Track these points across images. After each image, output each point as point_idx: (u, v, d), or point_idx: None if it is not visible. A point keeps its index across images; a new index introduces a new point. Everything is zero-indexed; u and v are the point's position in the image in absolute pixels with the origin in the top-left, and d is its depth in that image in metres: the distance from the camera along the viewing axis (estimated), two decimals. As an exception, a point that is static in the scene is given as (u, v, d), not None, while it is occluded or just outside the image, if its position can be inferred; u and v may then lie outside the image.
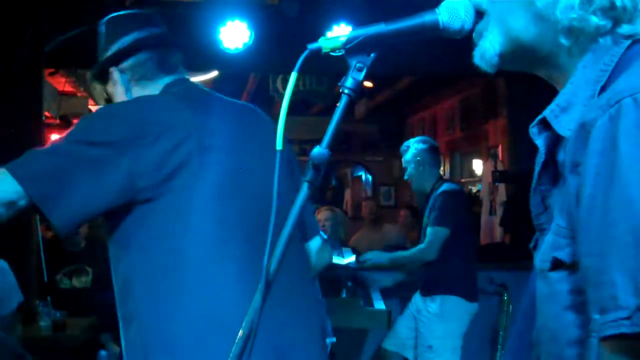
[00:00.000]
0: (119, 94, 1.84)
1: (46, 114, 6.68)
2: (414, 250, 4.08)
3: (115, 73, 1.83)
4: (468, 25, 1.06)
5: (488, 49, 1.02)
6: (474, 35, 1.05)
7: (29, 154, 1.66)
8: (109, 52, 1.85)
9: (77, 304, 4.50)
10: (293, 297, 1.70)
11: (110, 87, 1.86)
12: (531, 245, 1.13)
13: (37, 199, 1.58)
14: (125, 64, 1.83)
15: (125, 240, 1.68)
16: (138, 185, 1.60)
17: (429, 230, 3.96)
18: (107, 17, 1.91)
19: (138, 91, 1.83)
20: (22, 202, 1.58)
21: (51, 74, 6.59)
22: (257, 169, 1.73)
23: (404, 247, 6.13)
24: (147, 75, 1.83)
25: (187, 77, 1.88)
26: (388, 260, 4.17)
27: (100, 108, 1.81)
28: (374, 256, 4.28)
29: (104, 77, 1.86)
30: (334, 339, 2.98)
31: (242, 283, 1.60)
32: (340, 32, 5.58)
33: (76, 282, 4.67)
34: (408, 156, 4.17)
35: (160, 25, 1.89)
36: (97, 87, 1.94)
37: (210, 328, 1.59)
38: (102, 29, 1.91)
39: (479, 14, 1.05)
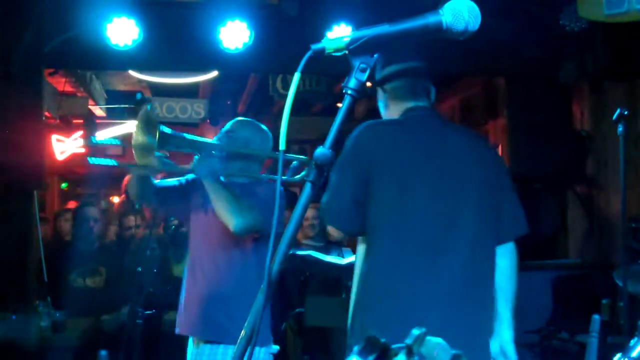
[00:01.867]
0: (380, 107, 2.52)
1: (46, 114, 6.68)
2: None
3: (380, 91, 2.49)
4: (472, 27, 1.05)
5: None
6: None
7: None
8: (379, 76, 2.47)
9: (88, 303, 4.54)
10: (463, 301, 2.22)
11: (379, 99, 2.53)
12: None
13: None
14: (387, 86, 2.46)
15: None
16: None
17: None
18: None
19: (391, 107, 2.45)
20: None
21: (51, 74, 6.58)
22: (437, 180, 2.28)
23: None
24: (399, 96, 2.43)
25: (426, 104, 2.44)
26: None
27: None
28: None
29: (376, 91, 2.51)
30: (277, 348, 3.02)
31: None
32: (340, 33, 5.57)
33: (89, 282, 4.70)
34: None
35: (417, 58, 2.48)
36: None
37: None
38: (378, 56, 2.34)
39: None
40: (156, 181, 3.04)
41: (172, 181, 3.13)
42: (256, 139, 3.04)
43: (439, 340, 1.01)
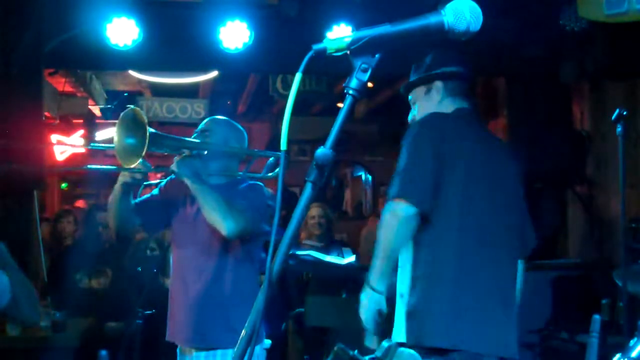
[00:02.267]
0: (427, 98, 2.64)
1: (46, 114, 6.67)
2: None
3: (438, 83, 2.61)
4: (473, 27, 1.05)
5: None
6: None
7: None
8: (439, 69, 2.62)
9: (91, 304, 4.55)
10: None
11: (422, 92, 2.66)
12: None
13: None
14: (450, 84, 2.61)
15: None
16: None
17: None
18: (434, 50, 2.70)
19: (444, 102, 2.59)
20: None
21: (51, 74, 6.58)
22: (491, 184, 2.48)
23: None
24: (456, 94, 2.60)
25: (472, 108, 2.66)
26: None
27: None
28: None
29: (425, 83, 2.64)
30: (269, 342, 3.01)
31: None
32: (340, 33, 5.56)
33: (94, 283, 4.70)
34: None
35: (465, 65, 2.68)
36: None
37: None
38: (430, 55, 2.69)
39: None
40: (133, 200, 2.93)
41: (148, 195, 3.02)
42: (233, 137, 2.97)
43: (412, 352, 1.01)
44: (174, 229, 2.98)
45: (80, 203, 8.30)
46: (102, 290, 4.73)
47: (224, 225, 2.65)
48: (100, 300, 4.67)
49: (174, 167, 2.74)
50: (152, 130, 2.57)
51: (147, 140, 2.51)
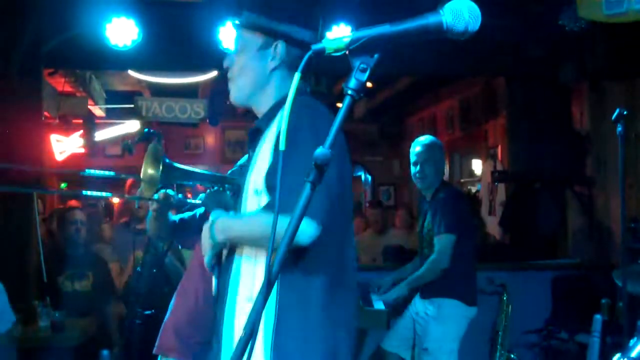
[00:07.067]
0: (269, 65, 2.01)
1: (46, 114, 6.68)
2: (426, 265, 3.98)
3: (282, 47, 1.98)
4: (472, 27, 1.05)
5: None
6: None
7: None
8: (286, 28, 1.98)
9: (78, 306, 4.52)
10: None
11: (254, 52, 2.01)
12: None
13: None
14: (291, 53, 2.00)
15: None
16: None
17: (437, 239, 3.93)
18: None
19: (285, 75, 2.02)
20: None
21: (51, 74, 6.59)
22: None
23: (402, 247, 6.12)
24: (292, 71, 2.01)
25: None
26: (408, 288, 4.10)
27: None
28: (397, 291, 4.18)
29: (267, 43, 2.00)
30: None
31: None
32: (340, 33, 5.55)
33: (77, 286, 4.69)
34: (425, 155, 4.09)
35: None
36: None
37: None
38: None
39: None
40: (173, 216, 2.98)
41: (191, 213, 3.05)
42: None
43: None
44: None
45: (73, 202, 8.26)
46: (85, 292, 4.70)
47: None
48: (85, 303, 4.63)
49: (202, 200, 2.76)
50: (168, 161, 2.67)
51: (160, 171, 2.59)
